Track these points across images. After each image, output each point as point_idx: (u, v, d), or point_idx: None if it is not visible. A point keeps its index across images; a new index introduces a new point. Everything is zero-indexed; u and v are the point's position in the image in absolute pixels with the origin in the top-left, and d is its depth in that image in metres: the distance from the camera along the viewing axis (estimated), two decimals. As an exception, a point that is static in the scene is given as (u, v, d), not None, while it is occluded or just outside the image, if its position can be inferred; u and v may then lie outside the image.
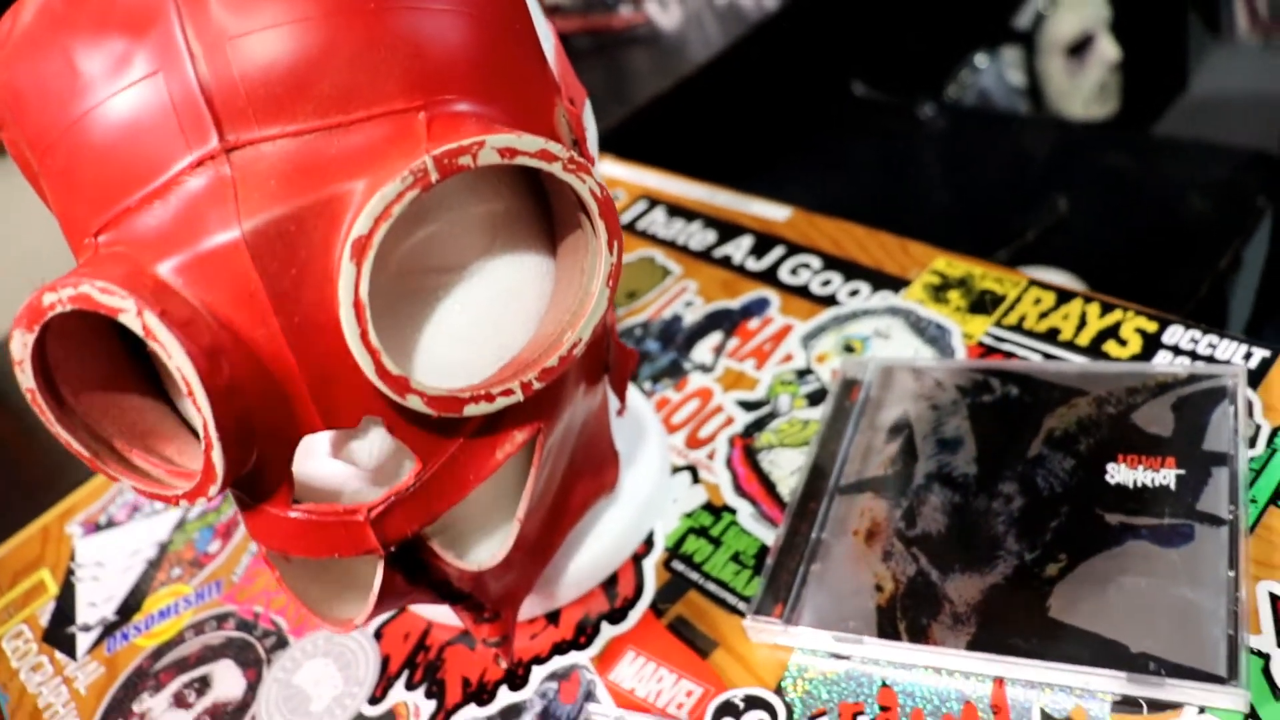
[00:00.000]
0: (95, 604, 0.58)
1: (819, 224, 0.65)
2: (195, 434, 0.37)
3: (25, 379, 0.32)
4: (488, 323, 0.34)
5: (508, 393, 0.32)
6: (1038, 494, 0.43)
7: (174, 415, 0.37)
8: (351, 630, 0.36)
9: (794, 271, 0.62)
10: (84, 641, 0.56)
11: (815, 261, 0.62)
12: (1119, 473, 0.43)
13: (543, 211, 0.36)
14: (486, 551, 0.38)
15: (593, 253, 0.33)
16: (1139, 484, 0.42)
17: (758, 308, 0.60)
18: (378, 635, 0.49)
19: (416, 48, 0.31)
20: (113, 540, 0.63)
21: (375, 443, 0.32)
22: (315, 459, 0.34)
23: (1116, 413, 0.45)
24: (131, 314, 0.28)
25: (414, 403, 0.30)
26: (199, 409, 0.29)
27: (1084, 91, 1.75)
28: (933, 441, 0.47)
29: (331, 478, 0.35)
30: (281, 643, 0.51)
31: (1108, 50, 1.73)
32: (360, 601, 0.37)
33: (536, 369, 0.32)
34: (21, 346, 0.31)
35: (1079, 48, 1.71)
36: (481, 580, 0.37)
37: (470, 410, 0.31)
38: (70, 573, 0.60)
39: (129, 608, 0.57)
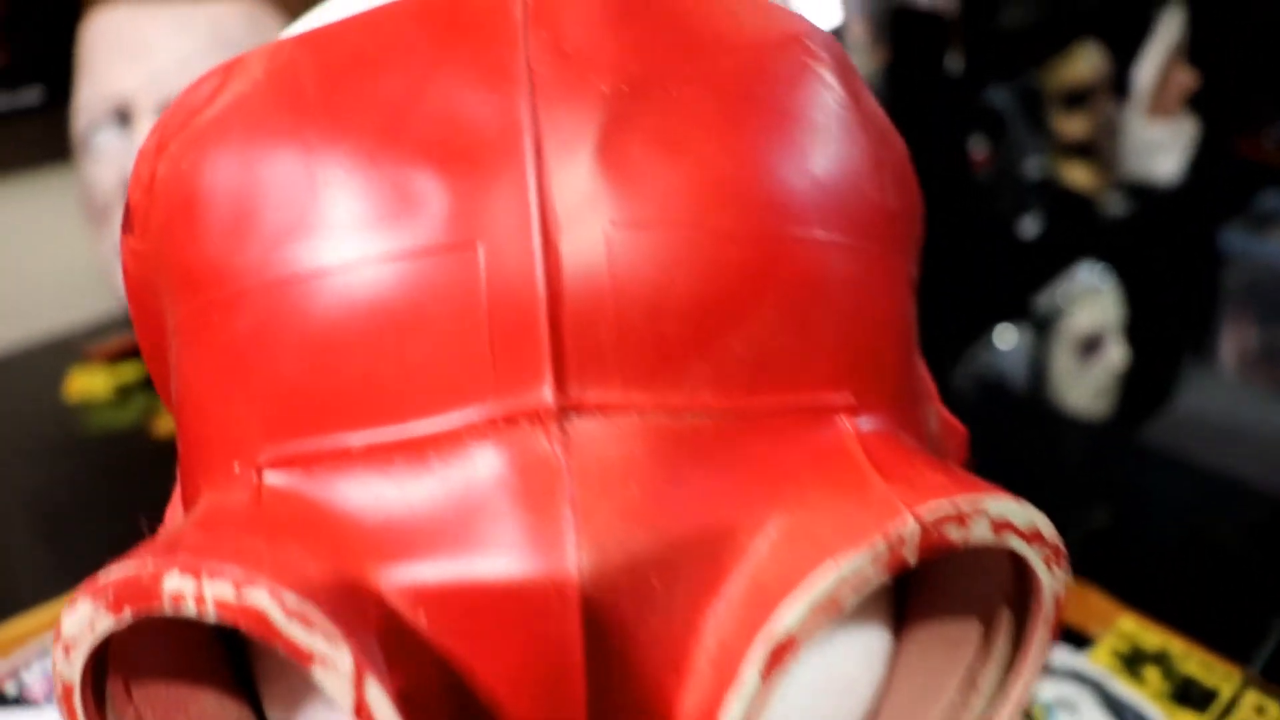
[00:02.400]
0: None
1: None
2: None
3: (68, 668, 0.19)
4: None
5: None
6: None
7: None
8: None
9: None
10: None
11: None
12: None
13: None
14: None
15: (999, 665, 0.22)
16: None
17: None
18: None
19: (856, 307, 0.21)
20: (22, 727, 0.48)
21: None
22: None
23: None
24: (341, 675, 0.16)
25: None
26: None
27: (1085, 388, 1.75)
28: None
29: None
30: None
31: (1116, 355, 1.74)
32: None
33: None
34: (88, 628, 0.18)
35: (1090, 346, 1.72)
36: None
37: None
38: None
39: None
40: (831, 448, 0.19)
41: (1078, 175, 1.52)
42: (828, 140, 0.21)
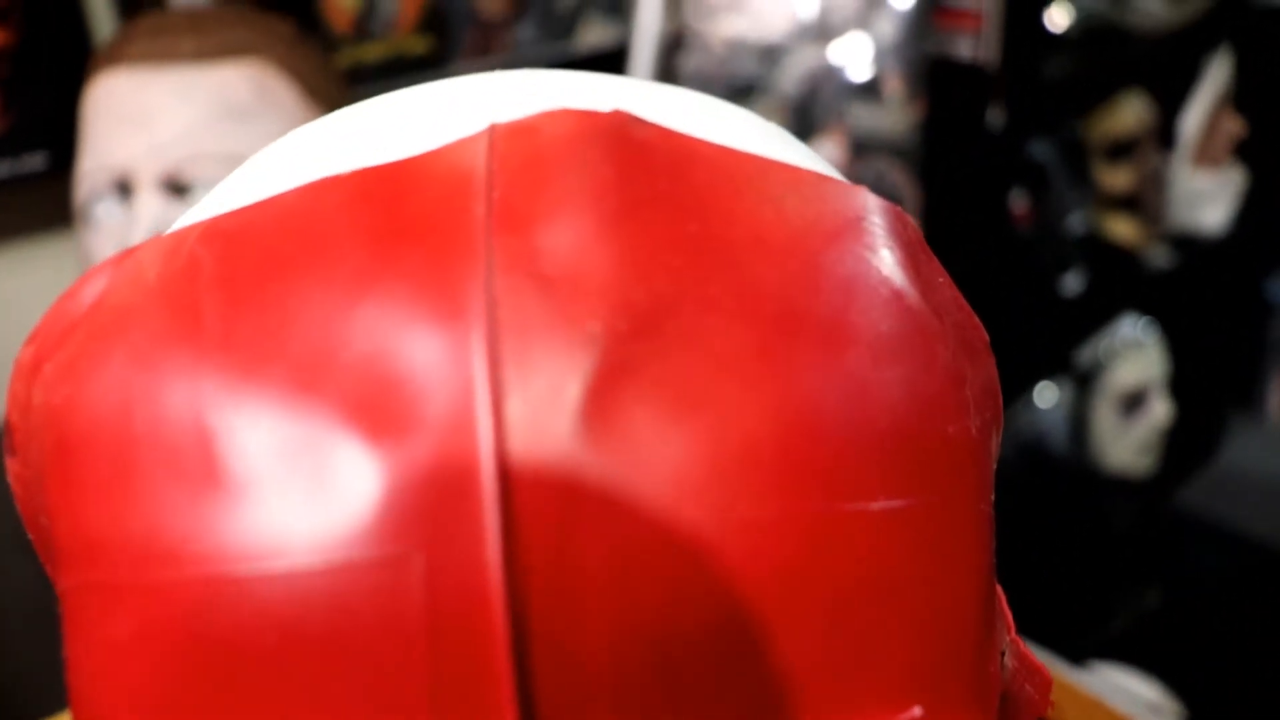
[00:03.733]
0: None
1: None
2: None
3: None
4: None
5: None
6: None
7: None
8: None
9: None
10: None
11: (1030, 729, 0.47)
12: None
13: None
14: None
15: None
16: None
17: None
18: None
19: (928, 590, 0.16)
20: None
21: None
22: None
23: None
24: None
25: None
26: None
27: (1128, 446, 1.68)
28: None
29: None
30: None
31: (1160, 411, 1.67)
32: None
33: None
34: None
35: (1133, 402, 1.65)
36: None
37: None
38: None
39: None
40: None
41: (1121, 229, 1.47)
42: (896, 366, 0.16)
